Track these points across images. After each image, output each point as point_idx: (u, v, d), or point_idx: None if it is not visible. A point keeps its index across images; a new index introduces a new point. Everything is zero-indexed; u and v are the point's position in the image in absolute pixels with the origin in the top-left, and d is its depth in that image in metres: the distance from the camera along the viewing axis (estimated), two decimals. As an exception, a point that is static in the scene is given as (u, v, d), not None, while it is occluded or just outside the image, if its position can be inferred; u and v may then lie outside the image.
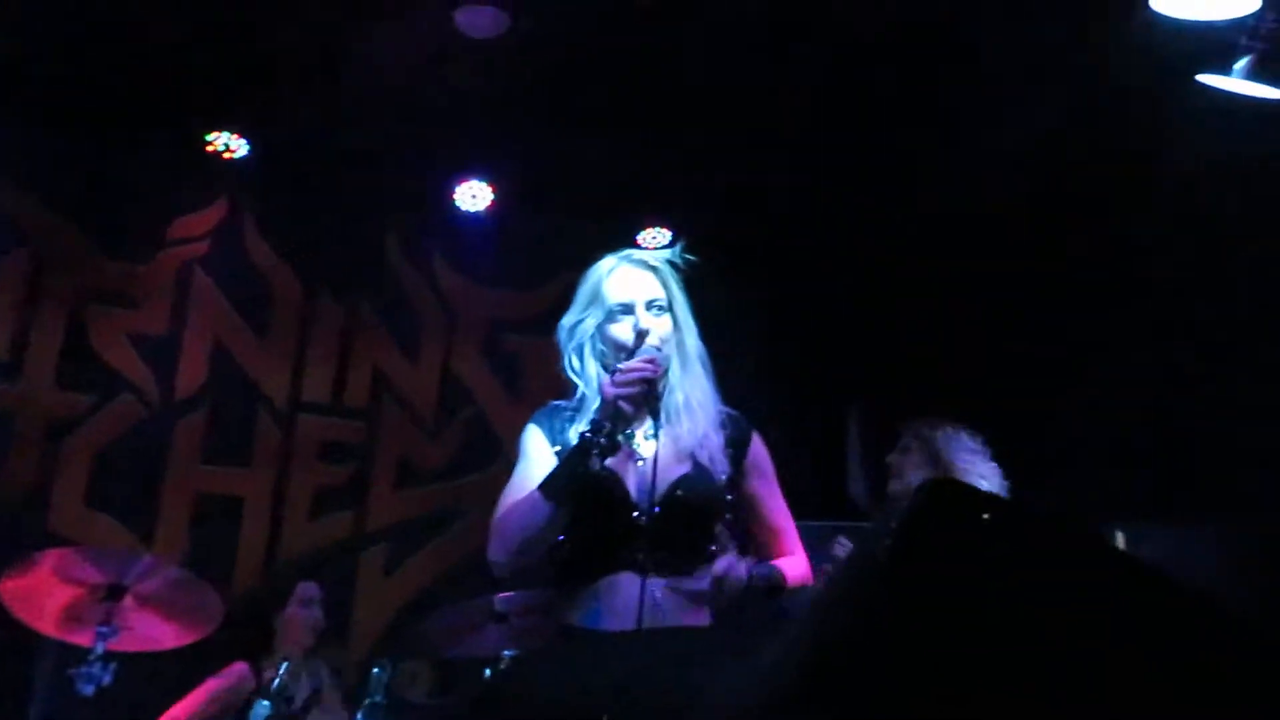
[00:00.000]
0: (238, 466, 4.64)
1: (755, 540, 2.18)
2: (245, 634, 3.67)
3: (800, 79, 4.14)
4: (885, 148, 4.44)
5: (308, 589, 3.85)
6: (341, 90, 4.36)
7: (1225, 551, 3.14)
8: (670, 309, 2.12)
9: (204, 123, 4.59)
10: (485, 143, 4.80)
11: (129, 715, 3.21)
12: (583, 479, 1.98)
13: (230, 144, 4.63)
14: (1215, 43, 2.59)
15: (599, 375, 2.11)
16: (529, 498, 2.01)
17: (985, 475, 2.76)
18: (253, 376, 4.74)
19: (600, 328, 2.12)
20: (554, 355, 5.84)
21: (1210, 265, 3.32)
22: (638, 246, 5.23)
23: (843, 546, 2.83)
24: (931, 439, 2.83)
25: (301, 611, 3.78)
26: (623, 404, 1.96)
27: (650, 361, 2.01)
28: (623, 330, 2.09)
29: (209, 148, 4.62)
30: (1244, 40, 2.54)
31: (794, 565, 2.12)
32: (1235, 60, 2.57)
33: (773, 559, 2.13)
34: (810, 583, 2.14)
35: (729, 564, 1.98)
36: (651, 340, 2.06)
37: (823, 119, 4.37)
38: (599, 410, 2.00)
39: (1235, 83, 2.59)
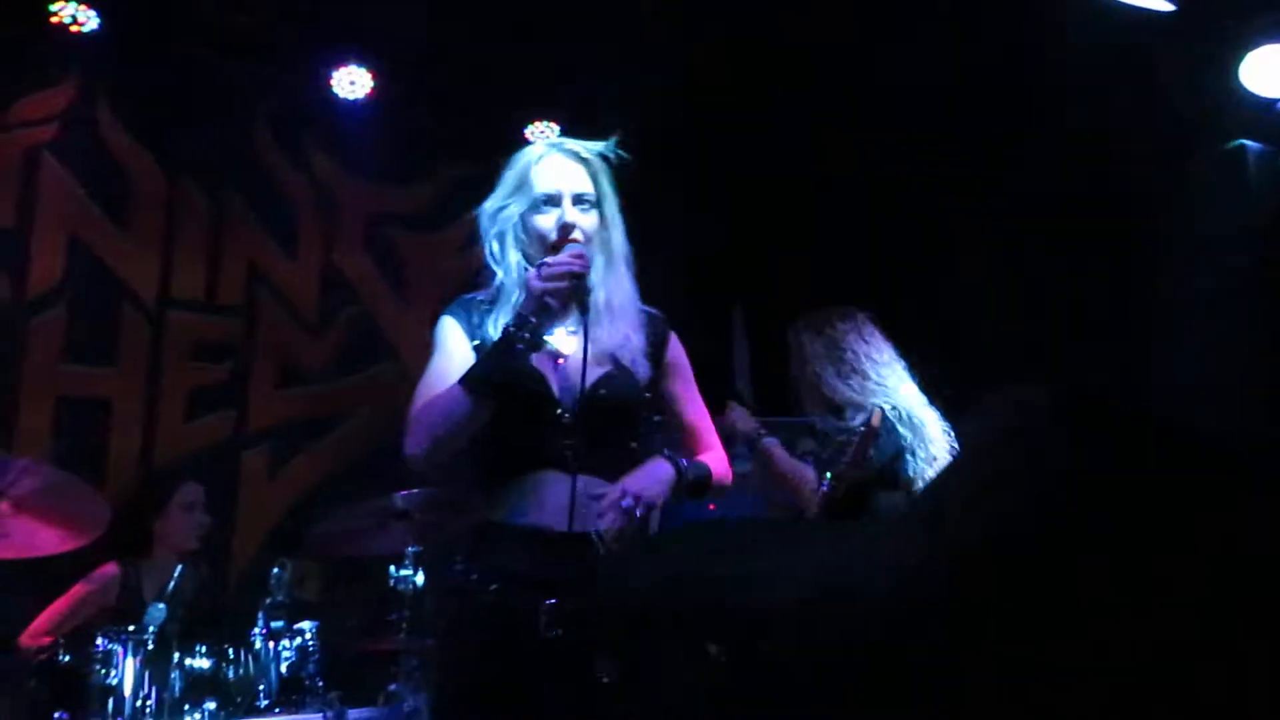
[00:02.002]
0: (103, 367, 4.38)
1: (674, 439, 2.20)
2: (122, 540, 3.54)
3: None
4: (774, 50, 4.45)
5: (190, 492, 3.73)
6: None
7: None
8: (598, 205, 2.07)
9: (48, -10, 4.17)
10: (366, 25, 4.54)
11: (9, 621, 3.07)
12: (506, 375, 1.96)
13: (79, 15, 4.22)
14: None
15: (519, 265, 2.06)
16: (450, 392, 1.96)
17: (878, 360, 2.83)
18: (115, 272, 4.44)
19: (524, 217, 2.06)
20: (438, 251, 5.73)
21: (1098, 163, 3.51)
22: (526, 141, 5.16)
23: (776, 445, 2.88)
24: (820, 334, 2.88)
25: (184, 515, 3.67)
26: (549, 299, 1.92)
27: (578, 256, 1.98)
28: (546, 222, 2.03)
29: (54, 19, 4.19)
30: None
31: (716, 462, 2.15)
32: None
33: (693, 456, 2.14)
34: (729, 480, 2.17)
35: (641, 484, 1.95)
36: (575, 236, 2.02)
37: (712, 19, 4.34)
38: (524, 304, 1.96)
39: (1127, -9, 2.70)
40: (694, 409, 2.20)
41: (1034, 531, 0.72)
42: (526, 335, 1.93)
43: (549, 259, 1.99)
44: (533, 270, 1.99)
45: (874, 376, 2.77)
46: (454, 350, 2.06)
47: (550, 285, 1.92)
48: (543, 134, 5.11)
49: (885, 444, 2.64)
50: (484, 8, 4.35)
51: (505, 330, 1.95)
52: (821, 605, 0.77)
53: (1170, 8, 2.72)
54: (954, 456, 2.57)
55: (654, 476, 1.97)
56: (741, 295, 5.56)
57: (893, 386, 2.77)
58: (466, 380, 1.95)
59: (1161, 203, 3.46)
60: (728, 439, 2.76)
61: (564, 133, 5.14)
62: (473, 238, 5.49)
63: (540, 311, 1.93)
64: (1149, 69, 3.33)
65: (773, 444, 2.79)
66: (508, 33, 4.51)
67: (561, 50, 4.61)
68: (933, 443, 2.69)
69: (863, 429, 2.42)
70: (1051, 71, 3.54)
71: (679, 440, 2.20)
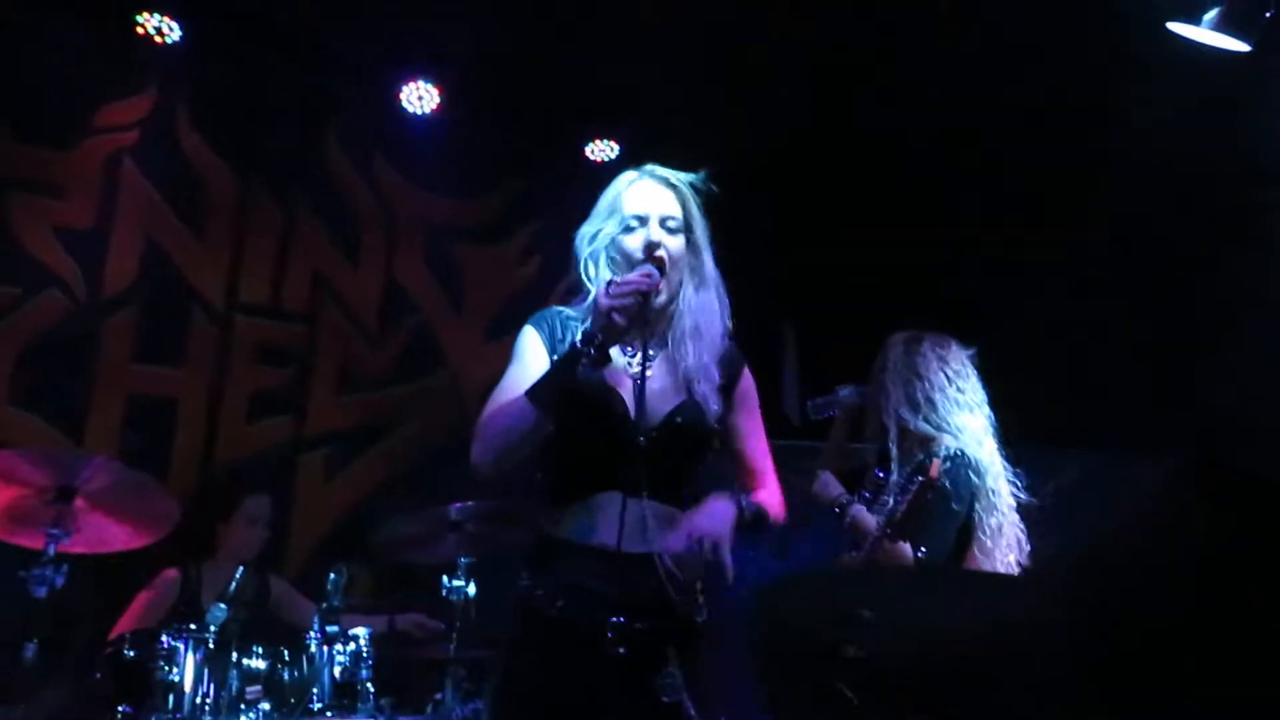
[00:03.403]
0: (171, 367, 4.50)
1: (733, 471, 2.21)
2: (185, 539, 3.64)
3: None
4: (836, 68, 4.46)
5: (258, 506, 3.81)
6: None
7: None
8: (686, 230, 2.11)
9: (134, 3, 4.32)
10: (435, 42, 4.64)
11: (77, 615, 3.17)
12: (585, 392, 1.99)
13: (163, 27, 4.37)
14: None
15: None
16: (515, 401, 2.01)
17: (952, 396, 2.74)
18: (186, 275, 4.57)
19: (615, 239, 2.10)
20: (498, 264, 5.77)
21: (1167, 203, 3.48)
22: (587, 159, 5.24)
23: (827, 486, 2.82)
24: (908, 351, 2.78)
25: (249, 529, 3.76)
26: (615, 316, 1.94)
27: (648, 275, 2.00)
28: (634, 242, 2.08)
29: (139, 30, 4.35)
30: (1215, -9, 2.63)
31: (772, 500, 2.15)
32: (1205, 11, 2.66)
33: (750, 492, 2.15)
34: (783, 519, 2.15)
35: (707, 524, 1.93)
36: (660, 254, 2.05)
37: (771, 38, 4.37)
38: (592, 320, 1.99)
39: (1203, 33, 2.69)
40: (755, 442, 2.21)
41: (1175, 609, 0.74)
42: (591, 351, 1.95)
43: (618, 277, 2.03)
44: (602, 287, 2.03)
45: (941, 410, 2.67)
46: (531, 361, 2.10)
47: (617, 302, 1.95)
48: (603, 152, 5.18)
49: (962, 490, 2.57)
50: (550, 28, 4.43)
51: (571, 344, 1.99)
52: (972, 657, 0.79)
53: (1245, 48, 2.70)
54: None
55: (719, 517, 1.97)
56: (794, 311, 5.54)
57: (962, 427, 2.66)
58: (531, 391, 1.99)
59: (1232, 242, 3.42)
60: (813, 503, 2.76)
61: (623, 152, 5.21)
62: (531, 251, 5.57)
63: (607, 328, 1.95)
64: (1220, 108, 3.30)
65: (859, 511, 2.68)
66: (572, 53, 4.58)
67: (624, 71, 4.67)
68: (997, 495, 2.60)
69: (920, 479, 2.37)
70: (1128, 109, 3.52)
71: (735, 470, 2.21)
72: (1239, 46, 2.70)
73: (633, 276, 2.00)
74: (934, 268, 4.52)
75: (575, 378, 1.96)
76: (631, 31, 4.41)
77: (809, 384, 5.47)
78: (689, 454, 2.09)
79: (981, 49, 3.73)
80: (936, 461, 2.33)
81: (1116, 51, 3.27)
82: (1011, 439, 2.77)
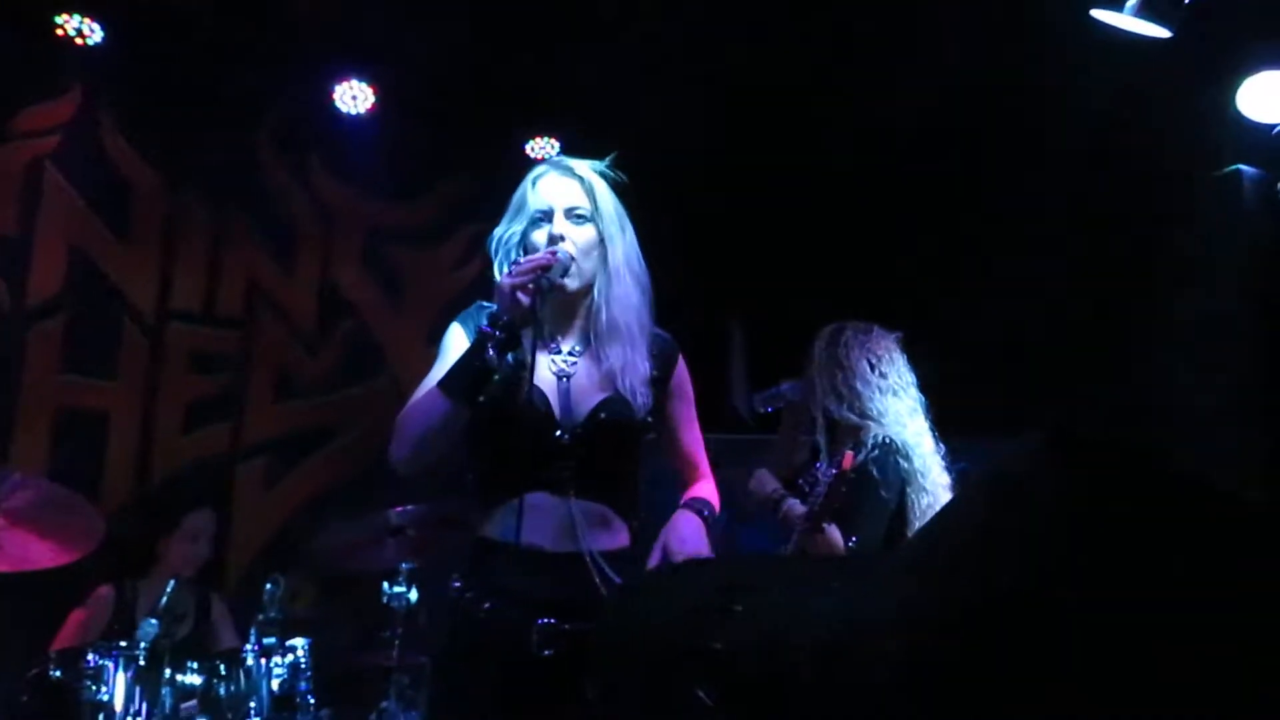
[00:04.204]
0: (102, 378, 4.38)
1: (668, 461, 2.19)
2: (122, 554, 3.55)
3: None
4: (780, 67, 4.47)
5: (199, 521, 3.73)
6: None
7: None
8: (594, 220, 2.07)
9: (53, 3, 4.19)
10: (368, 40, 4.56)
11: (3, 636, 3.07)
12: (508, 391, 1.96)
13: (84, 28, 4.24)
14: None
15: None
16: (429, 393, 1.99)
17: (877, 382, 2.73)
18: (115, 283, 4.45)
19: (523, 235, 2.08)
20: (437, 266, 5.70)
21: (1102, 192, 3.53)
22: (526, 158, 5.18)
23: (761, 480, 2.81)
24: (831, 343, 2.78)
25: (189, 545, 3.69)
26: (520, 295, 1.92)
27: (552, 253, 1.98)
28: (541, 237, 2.05)
29: (59, 31, 4.22)
30: (1136, -22, 2.66)
31: (711, 493, 2.14)
32: (1127, -3, 2.69)
33: (686, 484, 2.15)
34: (718, 510, 2.14)
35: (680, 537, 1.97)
36: (565, 247, 2.02)
37: (716, 36, 4.36)
38: (498, 303, 1.97)
39: (1125, 19, 2.72)
40: (691, 434, 2.19)
41: (1025, 579, 0.74)
42: (498, 334, 1.93)
43: (521, 259, 2.02)
44: (506, 271, 2.02)
45: (864, 397, 2.67)
46: (453, 357, 2.06)
47: (518, 280, 1.93)
48: (543, 150, 5.13)
49: (891, 478, 2.57)
50: (486, 24, 4.38)
51: (479, 329, 1.97)
52: (828, 648, 0.78)
53: (1166, 34, 2.74)
54: (949, 501, 2.50)
55: (697, 537, 1.99)
56: (740, 308, 5.54)
57: (885, 410, 2.66)
58: (442, 382, 1.97)
59: (1159, 228, 3.47)
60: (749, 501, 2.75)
61: (564, 150, 5.17)
62: (471, 253, 5.50)
63: (512, 309, 1.93)
64: (1148, 95, 3.35)
65: (792, 505, 2.66)
66: (509, 49, 4.53)
67: (563, 68, 4.63)
68: (926, 476, 2.60)
69: (834, 471, 2.35)
70: (1051, 97, 3.56)
71: (671, 463, 2.19)
72: (1160, 32, 2.74)
73: (536, 255, 2.00)
74: (881, 262, 4.54)
75: (485, 362, 1.94)
76: (571, 27, 4.37)
77: (759, 380, 5.48)
78: (615, 451, 2.06)
79: (919, 41, 3.75)
80: (849, 453, 2.32)
81: (1035, 44, 3.31)
82: (951, 430, 2.78)
